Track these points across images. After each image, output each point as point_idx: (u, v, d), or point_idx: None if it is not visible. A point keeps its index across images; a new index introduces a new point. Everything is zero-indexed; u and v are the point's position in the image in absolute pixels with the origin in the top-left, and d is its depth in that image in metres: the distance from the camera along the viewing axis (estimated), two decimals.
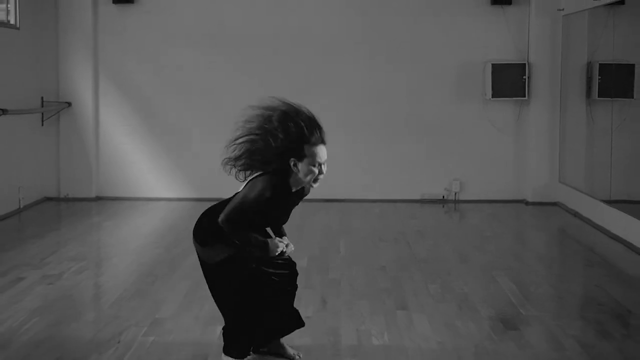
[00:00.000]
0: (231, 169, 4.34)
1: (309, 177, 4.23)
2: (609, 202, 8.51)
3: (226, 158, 4.33)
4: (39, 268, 6.74)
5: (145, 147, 10.31)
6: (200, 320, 5.36)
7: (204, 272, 4.49)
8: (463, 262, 7.15)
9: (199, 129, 10.23)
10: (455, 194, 10.29)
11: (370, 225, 8.89)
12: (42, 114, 9.97)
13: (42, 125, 10.01)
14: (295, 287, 4.65)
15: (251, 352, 4.57)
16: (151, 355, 4.74)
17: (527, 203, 10.15)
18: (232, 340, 4.49)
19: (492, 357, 4.75)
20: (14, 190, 9.29)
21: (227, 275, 4.37)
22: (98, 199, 10.28)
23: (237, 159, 4.31)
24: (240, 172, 4.35)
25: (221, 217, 4.20)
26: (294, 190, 4.33)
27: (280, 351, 4.72)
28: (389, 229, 8.68)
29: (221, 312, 4.55)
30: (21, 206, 9.41)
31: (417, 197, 10.31)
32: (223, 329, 4.56)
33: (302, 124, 4.20)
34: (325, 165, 4.26)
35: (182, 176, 10.32)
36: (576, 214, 9.31)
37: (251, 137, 4.28)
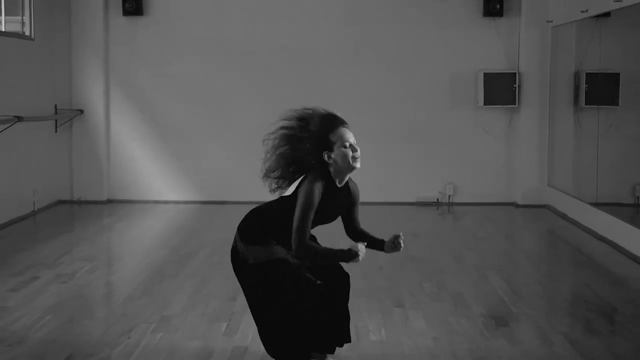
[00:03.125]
0: (270, 181, 4.37)
1: (346, 161, 4.23)
2: (596, 205, 8.62)
3: (264, 172, 4.36)
4: (53, 268, 6.83)
5: (154, 152, 10.38)
6: (206, 318, 5.42)
7: (240, 274, 4.33)
8: (457, 262, 7.27)
9: (206, 135, 10.26)
10: (449, 197, 10.37)
11: (368, 227, 8.58)
12: (56, 121, 10.04)
13: (56, 131, 10.10)
14: (344, 298, 4.49)
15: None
16: (159, 351, 4.83)
17: (517, 206, 10.23)
18: (284, 346, 4.28)
19: (484, 352, 4.83)
20: (29, 193, 9.39)
21: (268, 276, 4.23)
22: (109, 201, 10.36)
23: (273, 171, 4.34)
24: (278, 183, 4.36)
25: (294, 245, 4.12)
26: (338, 184, 4.32)
27: None
28: (386, 230, 8.44)
29: (256, 315, 4.34)
30: (36, 209, 9.49)
31: (413, 200, 10.38)
32: (260, 333, 4.37)
33: (318, 119, 4.26)
34: (357, 147, 4.29)
35: (189, 180, 10.33)
36: (564, 216, 9.41)
37: (280, 150, 4.30)
